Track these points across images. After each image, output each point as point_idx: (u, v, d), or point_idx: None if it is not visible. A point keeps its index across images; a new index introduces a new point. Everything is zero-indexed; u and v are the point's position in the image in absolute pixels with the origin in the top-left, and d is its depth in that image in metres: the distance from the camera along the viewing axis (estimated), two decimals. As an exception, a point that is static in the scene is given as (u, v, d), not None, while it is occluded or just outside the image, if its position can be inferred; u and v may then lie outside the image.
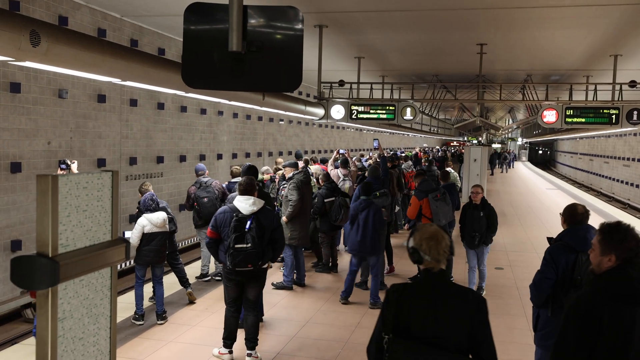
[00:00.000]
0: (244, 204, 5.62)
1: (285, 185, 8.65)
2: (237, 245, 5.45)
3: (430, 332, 2.79)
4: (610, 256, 2.84)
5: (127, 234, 6.95)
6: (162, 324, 6.94)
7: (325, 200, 9.00)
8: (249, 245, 5.48)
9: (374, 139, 12.90)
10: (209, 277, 8.81)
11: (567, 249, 4.15)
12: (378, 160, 13.53)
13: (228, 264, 5.53)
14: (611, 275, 2.83)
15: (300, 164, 10.73)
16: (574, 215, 4.33)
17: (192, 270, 9.26)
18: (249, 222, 5.52)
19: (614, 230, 2.89)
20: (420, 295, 2.90)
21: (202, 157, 13.79)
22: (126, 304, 7.41)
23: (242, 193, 5.72)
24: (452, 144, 56.55)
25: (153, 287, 7.44)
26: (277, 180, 9.57)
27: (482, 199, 8.12)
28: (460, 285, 3.06)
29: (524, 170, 43.91)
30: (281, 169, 10.04)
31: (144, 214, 7.00)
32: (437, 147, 49.87)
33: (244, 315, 5.92)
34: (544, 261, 4.20)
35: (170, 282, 8.17)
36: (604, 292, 2.78)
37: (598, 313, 2.71)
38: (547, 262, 4.17)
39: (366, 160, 17.13)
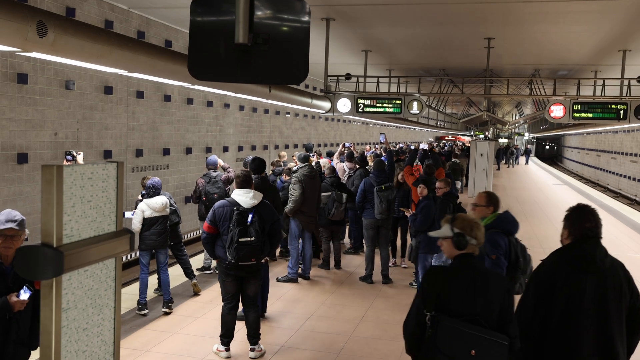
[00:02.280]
0: (244, 197, 5.58)
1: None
2: (241, 239, 5.42)
3: (469, 310, 3.07)
4: (565, 232, 3.35)
5: (127, 214, 7.04)
6: (168, 312, 6.96)
7: (323, 194, 8.96)
8: (253, 238, 5.45)
9: (381, 134, 12.88)
10: (211, 271, 8.83)
11: (503, 233, 4.46)
12: (383, 154, 13.51)
13: (230, 259, 5.47)
14: (567, 248, 3.30)
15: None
16: (498, 202, 4.67)
17: (197, 263, 9.28)
18: (250, 216, 5.49)
19: (570, 212, 3.39)
20: (461, 277, 3.17)
21: (208, 150, 13.79)
22: (131, 295, 7.44)
23: (240, 186, 5.67)
24: (446, 137, 50.92)
25: (158, 277, 7.48)
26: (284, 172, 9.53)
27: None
28: (492, 270, 3.39)
29: (530, 166, 43.68)
30: (282, 163, 10.04)
31: (143, 200, 7.08)
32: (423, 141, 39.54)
33: (244, 313, 5.89)
34: (493, 249, 4.34)
35: (175, 275, 8.20)
36: (560, 261, 3.27)
37: (553, 278, 3.22)
38: (495, 248, 4.36)
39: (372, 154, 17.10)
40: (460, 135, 53.68)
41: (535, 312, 3.19)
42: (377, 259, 8.75)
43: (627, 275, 3.30)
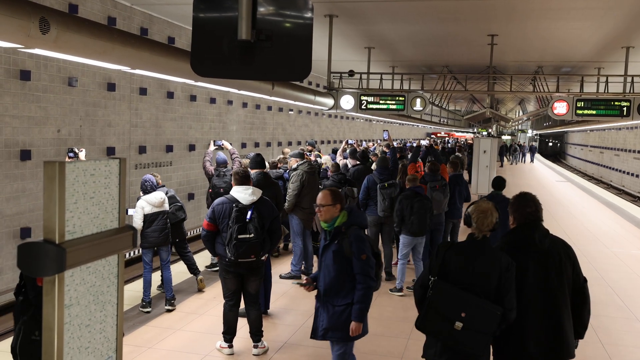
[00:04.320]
0: (243, 194, 5.57)
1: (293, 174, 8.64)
2: (240, 236, 5.41)
3: (467, 281, 3.54)
4: (511, 218, 3.76)
5: (131, 212, 7.04)
6: (171, 310, 6.96)
7: None
8: (252, 235, 5.44)
9: (384, 130, 12.87)
10: (218, 267, 8.82)
11: (361, 228, 4.67)
12: (386, 150, 13.49)
13: (230, 256, 5.47)
14: (511, 232, 3.75)
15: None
16: (343, 199, 4.72)
17: (201, 259, 9.28)
18: (249, 212, 5.49)
19: (513, 200, 3.83)
20: (463, 252, 3.65)
21: (211, 147, 13.79)
22: (134, 292, 7.45)
23: (239, 183, 5.66)
24: (439, 134, 47.40)
25: (161, 274, 7.48)
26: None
27: None
28: (495, 249, 3.70)
29: (534, 163, 43.50)
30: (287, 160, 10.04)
31: (142, 197, 7.08)
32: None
33: (246, 310, 5.88)
34: (362, 247, 4.45)
35: (179, 271, 8.20)
36: (505, 243, 3.70)
37: None
38: (364, 244, 4.50)
39: (374, 151, 17.08)
40: (454, 131, 51.15)
41: None
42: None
43: (568, 253, 3.65)
